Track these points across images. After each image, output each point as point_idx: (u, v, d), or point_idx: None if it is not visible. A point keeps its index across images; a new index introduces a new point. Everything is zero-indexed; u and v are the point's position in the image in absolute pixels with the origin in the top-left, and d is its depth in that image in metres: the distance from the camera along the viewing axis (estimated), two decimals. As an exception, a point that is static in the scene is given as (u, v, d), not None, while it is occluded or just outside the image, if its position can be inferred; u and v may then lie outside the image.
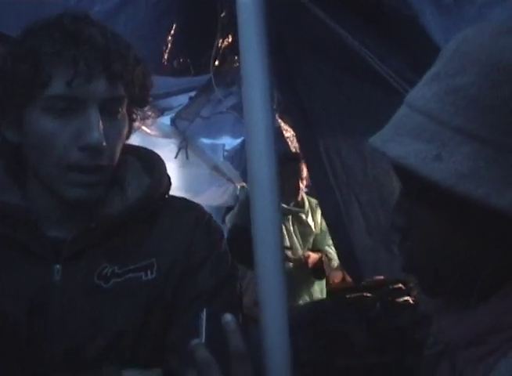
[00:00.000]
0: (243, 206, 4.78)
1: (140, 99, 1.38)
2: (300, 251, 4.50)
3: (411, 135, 0.89)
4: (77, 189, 1.30)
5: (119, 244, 1.37)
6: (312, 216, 4.67)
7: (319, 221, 4.67)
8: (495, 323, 0.90)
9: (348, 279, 4.81)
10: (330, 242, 4.51)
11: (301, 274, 4.42)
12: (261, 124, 1.41)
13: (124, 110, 1.35)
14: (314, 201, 4.74)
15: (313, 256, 4.55)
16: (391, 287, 3.26)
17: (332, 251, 4.62)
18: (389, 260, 3.11)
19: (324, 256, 4.58)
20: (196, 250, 1.42)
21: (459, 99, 0.87)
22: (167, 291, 1.39)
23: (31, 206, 1.37)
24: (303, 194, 4.63)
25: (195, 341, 1.12)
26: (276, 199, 1.42)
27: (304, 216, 4.57)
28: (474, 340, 0.92)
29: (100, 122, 1.27)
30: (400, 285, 3.25)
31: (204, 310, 1.16)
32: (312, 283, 4.66)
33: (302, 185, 4.50)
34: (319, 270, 4.63)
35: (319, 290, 4.69)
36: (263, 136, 1.41)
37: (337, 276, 5.62)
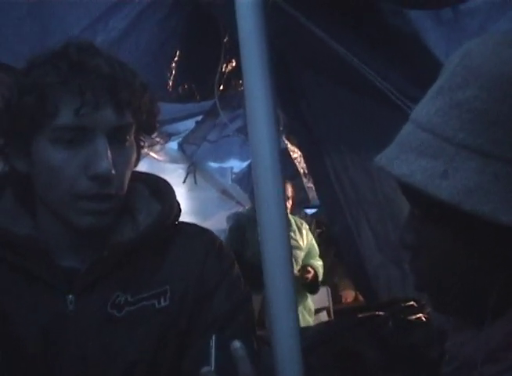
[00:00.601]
0: (232, 233, 4.87)
1: (148, 126, 1.39)
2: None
3: (416, 153, 0.88)
4: (87, 217, 1.30)
5: (131, 272, 1.37)
6: (300, 234, 4.76)
7: (304, 238, 4.84)
8: (510, 339, 0.89)
9: (361, 298, 4.82)
10: (315, 256, 4.76)
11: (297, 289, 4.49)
12: (266, 144, 1.43)
13: (132, 137, 1.35)
14: (298, 220, 4.84)
15: (312, 273, 4.68)
16: (403, 304, 3.26)
17: (318, 265, 4.81)
18: (401, 277, 3.10)
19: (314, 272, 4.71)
20: (209, 276, 1.42)
21: (464, 114, 0.86)
22: (181, 318, 1.38)
23: (42, 235, 1.37)
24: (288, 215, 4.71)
25: (205, 369, 1.13)
26: (284, 219, 1.44)
27: (293, 234, 4.64)
28: (491, 357, 0.91)
29: (109, 151, 1.28)
30: (412, 303, 3.24)
31: (213, 337, 1.17)
32: (306, 297, 4.80)
33: (289, 205, 4.60)
34: (314, 285, 4.77)
35: (312, 304, 4.87)
36: (268, 157, 1.42)
37: (349, 296, 5.62)
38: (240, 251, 4.50)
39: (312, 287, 4.76)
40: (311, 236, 4.96)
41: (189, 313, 1.38)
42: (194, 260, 1.42)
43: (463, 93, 0.87)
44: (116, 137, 1.30)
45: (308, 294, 4.83)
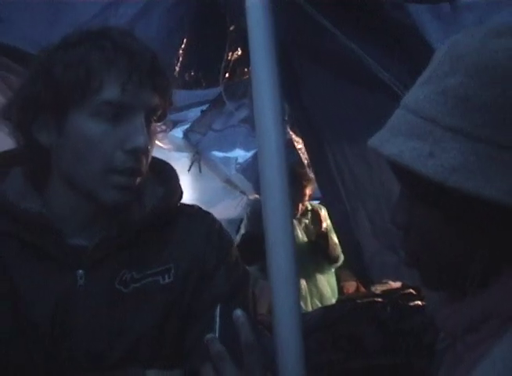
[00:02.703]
0: (254, 215, 4.88)
1: (163, 112, 1.43)
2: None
3: (405, 135, 0.93)
4: (113, 192, 1.34)
5: (137, 250, 1.41)
6: (315, 218, 4.76)
7: (322, 220, 4.75)
8: (490, 310, 0.94)
9: (362, 289, 4.83)
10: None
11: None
12: (272, 134, 1.45)
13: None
14: (314, 205, 4.88)
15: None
16: (401, 292, 3.29)
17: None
18: (396, 263, 3.12)
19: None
20: (210, 256, 1.47)
21: (450, 99, 0.91)
22: (184, 294, 1.43)
23: (51, 213, 1.40)
24: (306, 203, 4.76)
25: (209, 335, 1.17)
26: (289, 208, 1.48)
27: (307, 221, 4.66)
28: (472, 327, 0.96)
29: (145, 128, 1.34)
30: (411, 290, 3.28)
31: (218, 306, 1.22)
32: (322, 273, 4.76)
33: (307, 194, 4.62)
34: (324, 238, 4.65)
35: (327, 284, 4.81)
36: (274, 147, 1.45)
37: (351, 287, 5.62)
38: (256, 232, 4.57)
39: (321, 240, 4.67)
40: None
41: (191, 290, 1.43)
42: (196, 240, 1.47)
43: (449, 80, 0.92)
44: (148, 117, 1.36)
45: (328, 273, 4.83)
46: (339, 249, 4.47)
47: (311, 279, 4.69)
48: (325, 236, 4.59)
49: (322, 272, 4.80)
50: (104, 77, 1.31)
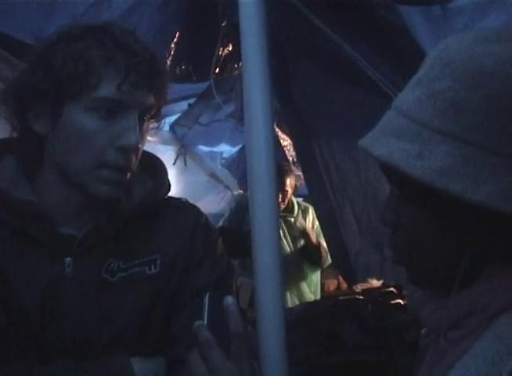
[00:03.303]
0: (237, 210, 4.90)
1: (157, 111, 1.45)
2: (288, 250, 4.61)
3: (395, 136, 0.95)
4: (106, 186, 1.37)
5: (124, 240, 1.43)
6: (304, 218, 4.78)
7: (311, 220, 4.77)
8: (473, 307, 0.96)
9: (343, 286, 4.84)
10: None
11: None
12: (261, 129, 1.45)
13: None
14: (303, 204, 4.84)
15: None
16: (382, 290, 3.32)
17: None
18: (380, 262, 3.14)
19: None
20: (196, 248, 1.49)
21: (439, 102, 0.92)
22: (169, 284, 1.45)
23: (41, 202, 1.41)
24: (292, 199, 4.74)
25: (197, 323, 1.18)
26: (275, 202, 1.48)
27: (292, 220, 4.67)
28: (455, 323, 0.98)
29: (138, 126, 1.36)
30: (392, 289, 3.31)
31: (207, 294, 1.22)
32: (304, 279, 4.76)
33: (290, 190, 4.61)
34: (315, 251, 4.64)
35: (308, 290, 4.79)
36: (263, 142, 1.45)
37: (332, 284, 5.64)
38: (239, 227, 4.59)
39: (313, 255, 4.66)
40: None
41: (177, 281, 1.45)
42: (183, 231, 1.49)
43: (439, 84, 0.93)
44: (141, 115, 1.38)
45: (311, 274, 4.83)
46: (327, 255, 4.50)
47: (295, 287, 4.71)
48: (317, 248, 4.61)
49: (306, 279, 4.82)
50: (102, 73, 1.32)
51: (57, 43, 1.36)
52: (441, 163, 0.90)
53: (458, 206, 0.91)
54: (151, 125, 1.48)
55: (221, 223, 5.00)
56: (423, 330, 1.18)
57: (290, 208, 4.71)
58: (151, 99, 1.38)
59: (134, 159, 1.39)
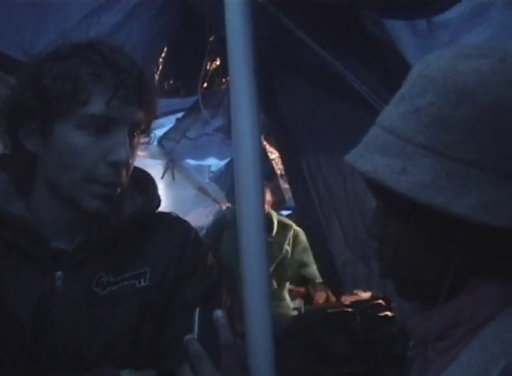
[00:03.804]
0: (212, 228, 4.90)
1: (147, 126, 1.47)
2: None
3: (379, 152, 0.97)
4: (97, 201, 1.39)
5: (114, 254, 1.45)
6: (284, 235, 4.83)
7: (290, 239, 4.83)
8: (457, 318, 0.98)
9: (332, 299, 4.84)
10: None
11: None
12: (248, 143, 1.48)
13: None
14: (285, 222, 4.89)
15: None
16: (371, 302, 3.33)
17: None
18: (367, 274, 3.14)
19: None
20: (186, 261, 1.50)
21: (422, 118, 0.94)
22: (159, 297, 1.46)
23: (33, 217, 1.44)
24: (271, 216, 4.76)
25: (188, 337, 1.20)
26: (262, 216, 1.50)
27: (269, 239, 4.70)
28: (441, 334, 1.00)
29: (128, 142, 1.37)
30: (380, 301, 3.32)
31: (197, 308, 1.24)
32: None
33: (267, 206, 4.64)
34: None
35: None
36: (250, 156, 1.47)
37: (321, 297, 5.64)
38: (216, 244, 4.61)
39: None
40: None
41: (166, 294, 1.46)
42: (173, 246, 1.51)
43: (421, 100, 0.95)
44: (131, 131, 1.40)
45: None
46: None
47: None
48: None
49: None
50: (91, 90, 1.34)
51: (46, 61, 1.38)
52: (423, 177, 0.92)
53: (442, 220, 0.93)
54: (141, 140, 1.49)
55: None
56: (411, 342, 1.20)
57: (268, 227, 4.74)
58: (140, 115, 1.40)
59: (124, 174, 1.40)
